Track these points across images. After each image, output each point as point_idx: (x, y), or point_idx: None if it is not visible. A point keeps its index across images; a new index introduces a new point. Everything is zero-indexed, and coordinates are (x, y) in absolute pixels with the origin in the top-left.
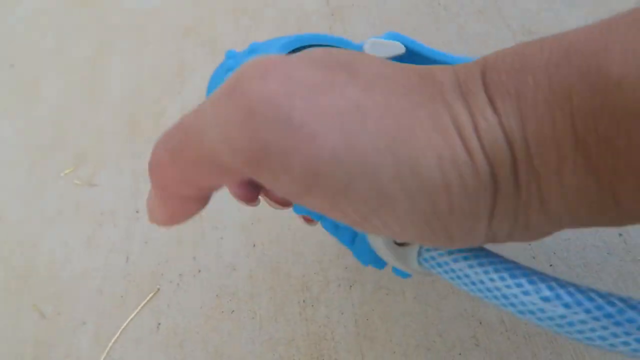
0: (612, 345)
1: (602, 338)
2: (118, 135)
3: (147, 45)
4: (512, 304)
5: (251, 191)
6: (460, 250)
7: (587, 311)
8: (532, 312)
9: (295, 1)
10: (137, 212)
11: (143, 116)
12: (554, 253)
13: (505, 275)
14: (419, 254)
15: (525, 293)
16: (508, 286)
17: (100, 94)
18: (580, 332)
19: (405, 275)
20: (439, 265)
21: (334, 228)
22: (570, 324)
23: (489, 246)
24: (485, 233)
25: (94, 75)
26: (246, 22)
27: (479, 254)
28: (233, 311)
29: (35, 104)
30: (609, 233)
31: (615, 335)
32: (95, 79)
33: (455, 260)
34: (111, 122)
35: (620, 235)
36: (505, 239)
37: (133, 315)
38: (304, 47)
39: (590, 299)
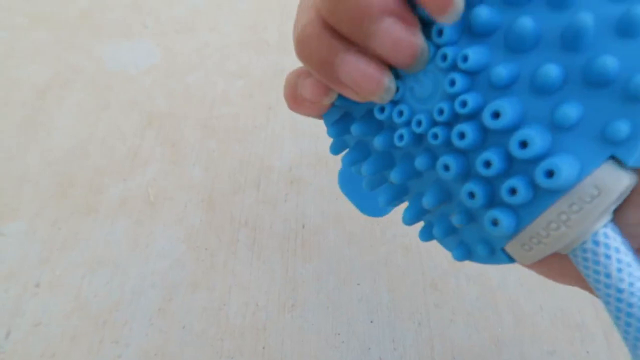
0: None
1: None
2: (42, 192)
3: (107, 108)
4: None
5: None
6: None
7: None
8: None
9: None
10: (36, 286)
11: (77, 184)
12: None
13: None
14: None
15: None
16: None
17: (43, 139)
18: None
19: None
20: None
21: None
22: None
23: None
24: None
25: (39, 116)
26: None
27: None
28: None
29: None
30: None
31: None
32: (40, 122)
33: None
34: (41, 176)
35: None
36: None
37: None
38: None
39: None
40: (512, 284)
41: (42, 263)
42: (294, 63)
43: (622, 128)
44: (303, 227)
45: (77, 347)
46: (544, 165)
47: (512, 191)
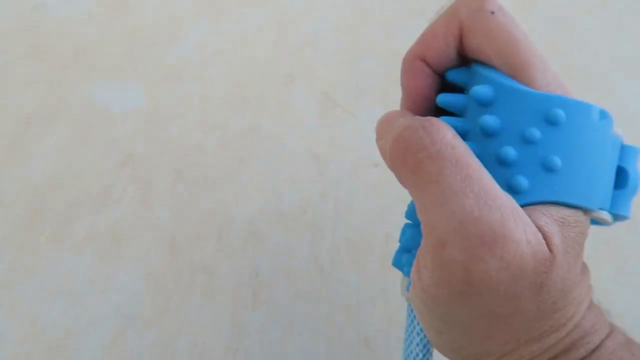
0: None
1: None
2: (13, 218)
3: (87, 143)
4: None
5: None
6: None
7: None
8: None
9: None
10: None
11: (48, 214)
12: None
13: None
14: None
15: None
16: None
17: (21, 166)
18: None
19: None
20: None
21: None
22: None
23: None
24: None
25: (20, 143)
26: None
27: None
28: None
29: None
30: None
31: None
32: (20, 150)
33: None
34: (14, 202)
35: None
36: None
37: None
38: None
39: None
40: None
41: (5, 286)
42: (270, 122)
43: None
44: (256, 277)
45: None
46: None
47: None
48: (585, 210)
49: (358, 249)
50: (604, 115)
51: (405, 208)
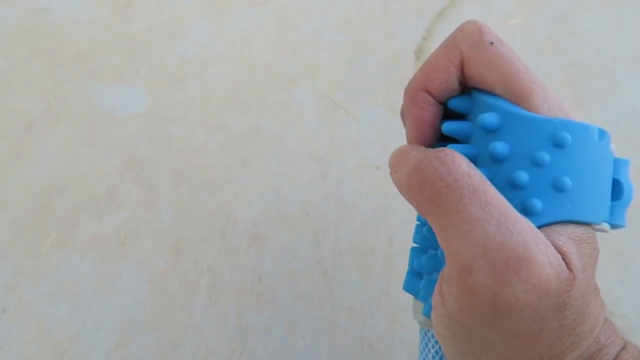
0: None
1: None
2: (18, 220)
3: (90, 146)
4: None
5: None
6: None
7: None
8: None
9: None
10: (3, 311)
11: (52, 217)
12: None
13: None
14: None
15: None
16: None
17: (25, 170)
18: None
19: None
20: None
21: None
22: None
23: None
24: None
25: (24, 146)
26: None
27: None
28: None
29: None
30: None
31: None
32: (24, 152)
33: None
34: (18, 205)
35: None
36: None
37: None
38: None
39: None
40: None
41: (11, 289)
42: (272, 123)
43: (537, 204)
44: (260, 279)
45: None
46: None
47: None
48: (592, 226)
49: (361, 251)
50: (602, 134)
51: (407, 210)
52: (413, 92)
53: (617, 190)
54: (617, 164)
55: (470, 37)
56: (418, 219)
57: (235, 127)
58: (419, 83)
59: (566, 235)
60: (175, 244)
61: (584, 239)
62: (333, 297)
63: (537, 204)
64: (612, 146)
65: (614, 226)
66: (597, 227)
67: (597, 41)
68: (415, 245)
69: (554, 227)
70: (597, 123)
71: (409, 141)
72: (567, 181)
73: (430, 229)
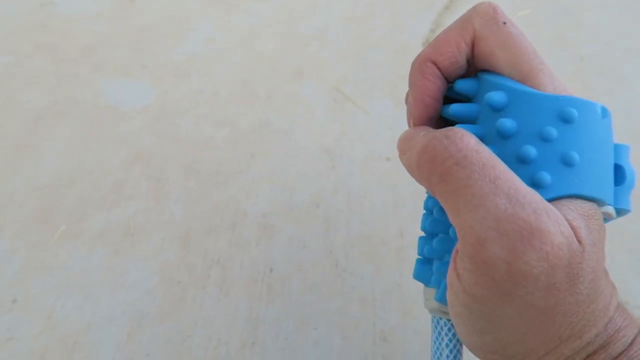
0: None
1: None
2: (26, 214)
3: (97, 140)
4: None
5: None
6: None
7: None
8: None
9: None
10: (13, 302)
11: (60, 210)
12: None
13: None
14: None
15: None
16: None
17: (32, 163)
18: None
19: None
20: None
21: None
22: None
23: None
24: None
25: (31, 140)
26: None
27: None
28: None
29: None
30: None
31: None
32: (31, 146)
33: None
34: (26, 199)
35: None
36: None
37: None
38: None
39: None
40: None
41: (20, 281)
42: (280, 116)
43: (546, 177)
44: (270, 271)
45: None
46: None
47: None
48: (598, 204)
49: (372, 243)
50: (605, 112)
51: (417, 202)
52: (421, 62)
53: (619, 175)
54: (618, 149)
55: (485, 16)
56: (425, 208)
57: (242, 120)
58: (427, 55)
59: (575, 211)
60: (185, 236)
61: (592, 214)
62: (344, 289)
63: (546, 177)
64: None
65: (619, 212)
66: (603, 209)
67: (606, 34)
68: (423, 234)
69: (563, 202)
70: None
71: (412, 115)
72: (575, 155)
73: (440, 211)
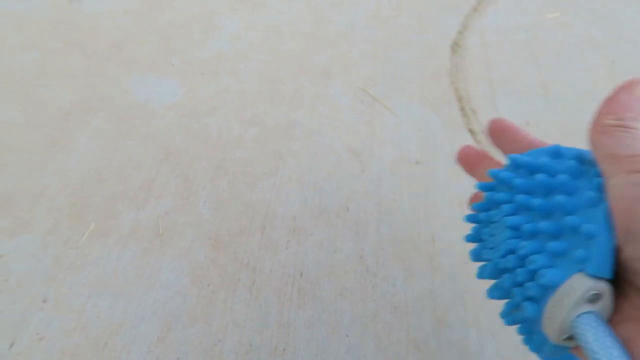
0: None
1: None
2: (57, 210)
3: (126, 137)
4: None
5: None
6: None
7: None
8: None
9: None
10: (44, 301)
11: (91, 207)
12: None
13: None
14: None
15: None
16: None
17: (62, 160)
18: None
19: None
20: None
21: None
22: None
23: None
24: None
25: (61, 137)
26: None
27: None
28: None
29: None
30: None
31: None
32: (61, 143)
33: None
34: (57, 195)
35: None
36: None
37: None
38: None
39: None
40: (489, 351)
41: (51, 279)
42: (306, 116)
43: (581, 254)
44: (301, 275)
45: None
46: (540, 272)
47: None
48: None
49: (403, 248)
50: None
51: (449, 208)
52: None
53: None
54: None
55: None
56: (508, 225)
57: (270, 119)
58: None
59: None
60: (214, 237)
61: None
62: (377, 295)
63: None
64: None
65: None
66: None
67: (636, 36)
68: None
69: None
70: None
71: None
72: None
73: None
